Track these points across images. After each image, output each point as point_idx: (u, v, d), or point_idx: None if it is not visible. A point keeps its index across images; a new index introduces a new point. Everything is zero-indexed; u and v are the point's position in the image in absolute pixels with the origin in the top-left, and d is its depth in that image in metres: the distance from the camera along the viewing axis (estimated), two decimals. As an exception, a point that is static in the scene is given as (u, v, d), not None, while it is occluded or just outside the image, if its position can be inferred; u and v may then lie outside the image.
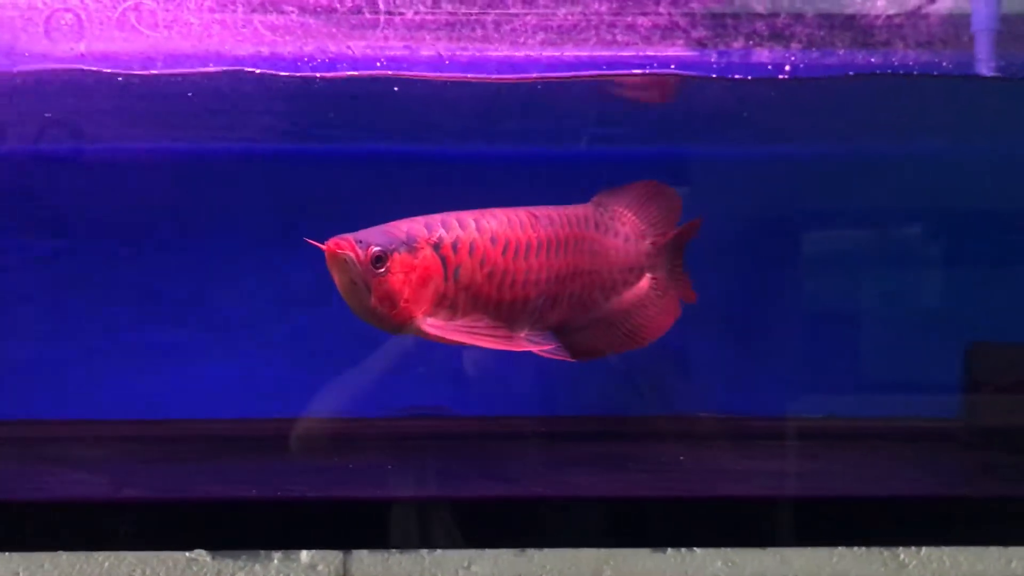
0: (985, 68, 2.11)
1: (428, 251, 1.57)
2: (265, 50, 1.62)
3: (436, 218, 1.62)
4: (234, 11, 1.57)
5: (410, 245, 1.56)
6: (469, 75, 1.67)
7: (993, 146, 2.06)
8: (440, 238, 1.59)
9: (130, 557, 1.55)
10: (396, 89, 1.67)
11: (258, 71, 1.65)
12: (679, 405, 2.30)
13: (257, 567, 1.57)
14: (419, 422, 2.17)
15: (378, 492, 1.68)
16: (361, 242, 1.53)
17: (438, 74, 1.66)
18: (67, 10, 1.56)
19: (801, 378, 2.28)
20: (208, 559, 1.56)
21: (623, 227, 1.75)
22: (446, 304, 1.59)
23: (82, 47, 1.59)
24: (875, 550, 1.60)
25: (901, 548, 1.60)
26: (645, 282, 1.76)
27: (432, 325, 1.59)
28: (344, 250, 1.51)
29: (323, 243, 1.51)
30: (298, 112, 1.81)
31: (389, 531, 1.57)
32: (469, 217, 1.63)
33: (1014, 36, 1.76)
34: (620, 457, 2.01)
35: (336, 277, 1.54)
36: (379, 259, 1.53)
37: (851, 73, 1.68)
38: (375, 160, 1.94)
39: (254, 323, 2.04)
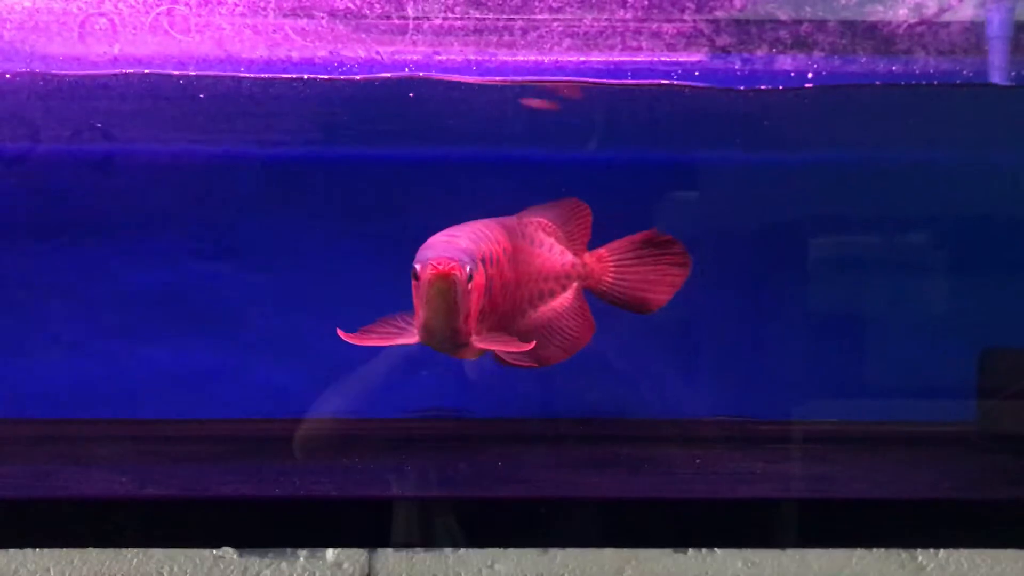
0: (1000, 76, 2.14)
1: (480, 266, 1.57)
2: (295, 55, 1.64)
3: (465, 232, 1.62)
4: (265, 16, 1.60)
5: (475, 261, 1.56)
6: (496, 79, 1.69)
7: (1009, 154, 2.08)
8: (484, 252, 1.60)
9: (158, 554, 1.58)
10: (415, 94, 1.68)
11: (288, 76, 1.68)
12: (693, 409, 2.31)
13: (283, 565, 1.59)
14: (439, 424, 2.19)
15: (402, 492, 1.70)
16: (460, 261, 1.51)
17: (466, 77, 1.67)
18: (101, 14, 1.59)
19: (815, 383, 2.30)
20: (235, 556, 1.58)
21: (547, 239, 1.76)
22: (482, 319, 1.60)
23: (116, 50, 1.62)
24: (893, 552, 1.61)
25: (919, 550, 1.62)
26: (569, 294, 1.78)
27: (479, 340, 1.60)
28: (454, 271, 1.49)
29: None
30: (329, 116, 1.83)
31: (413, 530, 1.59)
32: (481, 229, 1.65)
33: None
34: (635, 459, 2.02)
35: (436, 300, 1.52)
36: (469, 278, 1.53)
37: (876, 83, 1.70)
38: (405, 164, 1.97)
39: (278, 327, 2.06)
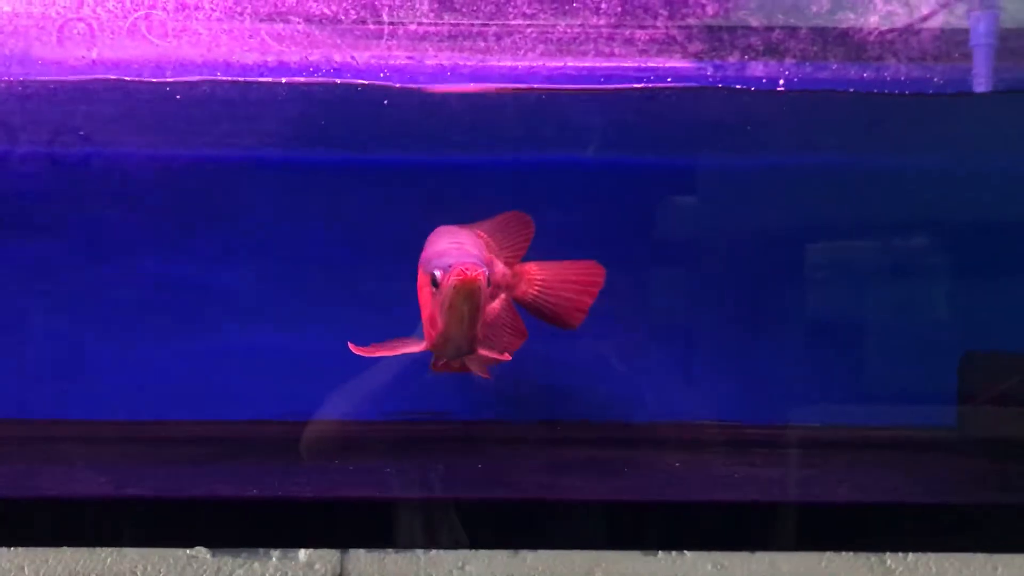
0: (983, 83, 2.15)
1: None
2: (272, 59, 1.66)
3: (463, 239, 1.64)
4: (242, 21, 1.61)
5: (487, 268, 1.57)
6: (470, 86, 1.70)
7: (984, 160, 2.08)
8: (486, 259, 1.63)
9: (132, 553, 1.58)
10: (389, 100, 1.70)
11: (264, 79, 1.69)
12: (679, 413, 2.32)
13: (256, 565, 1.59)
14: (418, 426, 2.20)
15: (375, 492, 1.71)
16: (483, 267, 1.53)
17: (441, 86, 1.69)
18: (79, 19, 1.60)
19: (801, 388, 2.31)
20: (208, 556, 1.59)
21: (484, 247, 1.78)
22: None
23: (94, 54, 1.63)
24: (863, 555, 1.62)
25: (888, 553, 1.62)
26: (497, 304, 1.78)
27: (481, 347, 1.63)
28: (480, 277, 1.50)
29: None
30: (302, 120, 1.85)
31: (385, 531, 1.60)
32: (470, 235, 1.68)
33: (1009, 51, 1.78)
34: (616, 462, 2.03)
35: (460, 306, 1.52)
36: (488, 283, 1.55)
37: (848, 89, 1.71)
38: (377, 169, 1.98)
39: (247, 327, 2.08)
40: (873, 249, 2.19)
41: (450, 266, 1.51)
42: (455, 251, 1.58)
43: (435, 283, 1.53)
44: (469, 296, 1.51)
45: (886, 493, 1.77)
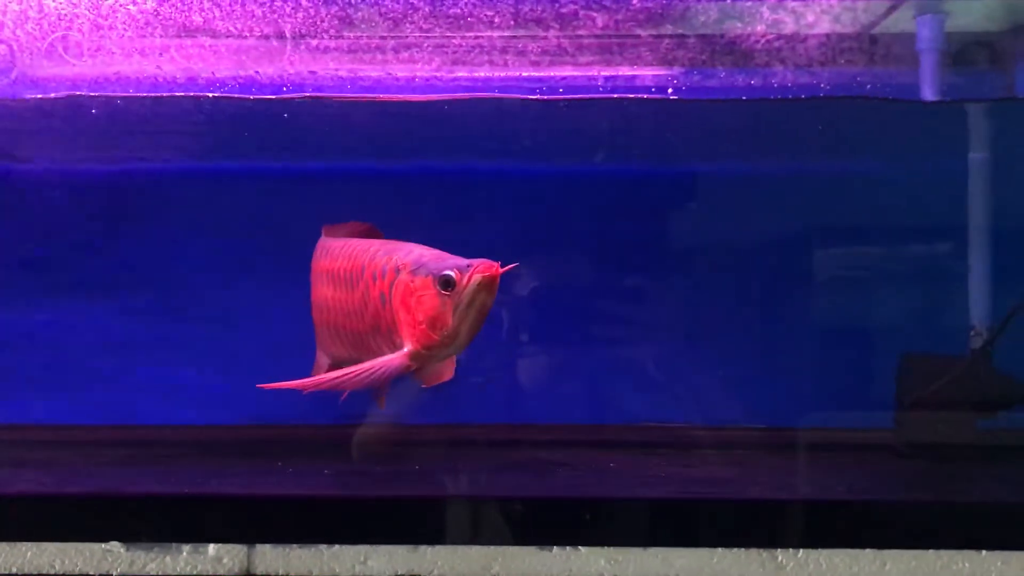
0: (929, 88, 2.16)
1: None
2: (180, 75, 1.72)
3: (421, 246, 1.70)
4: (153, 39, 1.68)
5: None
6: (369, 95, 1.75)
7: (876, 165, 2.10)
8: None
9: (51, 548, 1.65)
10: (298, 111, 1.75)
11: (175, 94, 1.76)
12: (626, 415, 2.35)
13: (167, 559, 1.65)
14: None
15: (280, 490, 1.77)
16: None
17: (342, 95, 1.74)
18: (1, 41, 1.68)
19: (746, 390, 2.33)
20: (122, 551, 1.64)
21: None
22: None
23: (14, 75, 1.71)
24: (753, 551, 1.65)
25: (779, 549, 1.65)
26: None
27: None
28: (498, 272, 1.57)
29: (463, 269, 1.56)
30: (211, 133, 1.91)
31: (290, 526, 1.66)
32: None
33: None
34: (551, 463, 2.07)
35: (481, 304, 1.59)
36: None
37: (739, 97, 1.74)
38: (286, 179, 2.04)
39: (182, 330, 2.14)
40: (791, 254, 2.21)
41: (468, 265, 1.57)
42: (431, 253, 1.64)
43: (448, 284, 1.58)
44: (491, 293, 1.58)
45: (780, 491, 1.80)
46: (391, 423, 2.07)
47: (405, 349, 1.66)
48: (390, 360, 1.67)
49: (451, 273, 1.57)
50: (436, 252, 1.66)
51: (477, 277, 1.56)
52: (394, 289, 1.66)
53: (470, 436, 2.29)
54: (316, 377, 1.72)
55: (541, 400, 2.31)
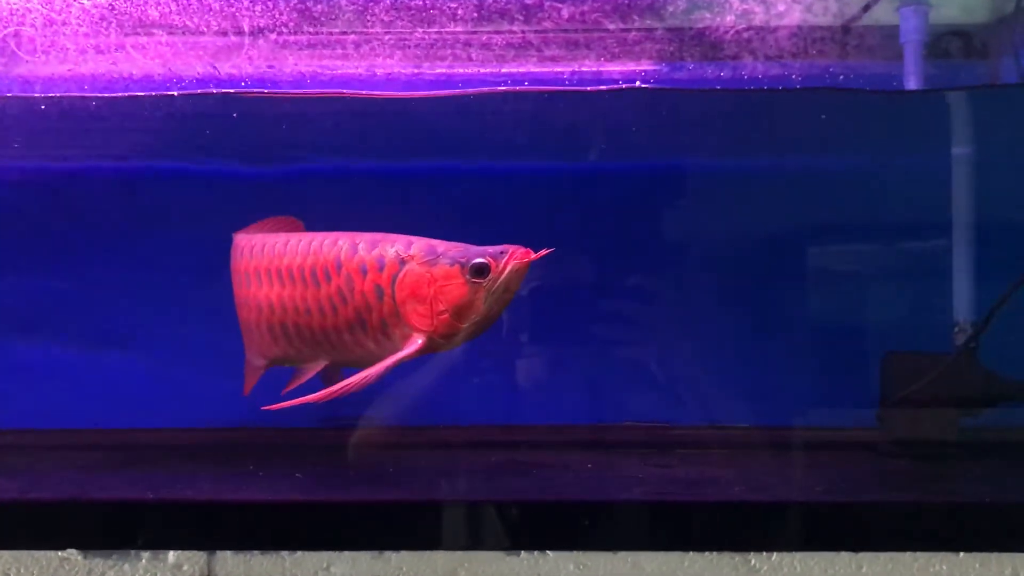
0: (913, 79, 2.13)
1: None
2: (136, 71, 1.69)
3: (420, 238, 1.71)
4: (108, 35, 1.65)
5: None
6: (331, 91, 1.72)
7: (856, 160, 2.07)
8: None
9: (6, 556, 1.62)
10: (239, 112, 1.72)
11: (128, 93, 1.72)
12: (608, 415, 2.31)
13: (126, 566, 1.62)
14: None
15: (243, 495, 1.73)
16: None
17: (301, 91, 1.71)
18: (-48, 39, 1.64)
19: (729, 389, 2.30)
20: (80, 558, 1.61)
21: None
22: None
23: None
24: (726, 555, 1.61)
25: (752, 553, 1.61)
26: None
27: None
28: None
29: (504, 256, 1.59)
30: (167, 131, 1.88)
31: (251, 533, 1.63)
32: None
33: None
34: (528, 465, 2.03)
35: (513, 287, 1.63)
36: None
37: (714, 87, 1.70)
38: (242, 178, 2.00)
39: (124, 334, 2.11)
40: (777, 252, 2.17)
41: (501, 252, 1.60)
42: (435, 242, 1.65)
43: (482, 272, 1.60)
44: (520, 279, 1.61)
45: (760, 492, 1.76)
46: (377, 425, 2.05)
47: (417, 340, 1.66)
48: (405, 353, 1.67)
49: (484, 261, 1.60)
50: (435, 241, 1.67)
51: (514, 264, 1.59)
52: (399, 280, 1.66)
53: (446, 438, 2.25)
54: (331, 388, 1.69)
55: (521, 401, 2.27)
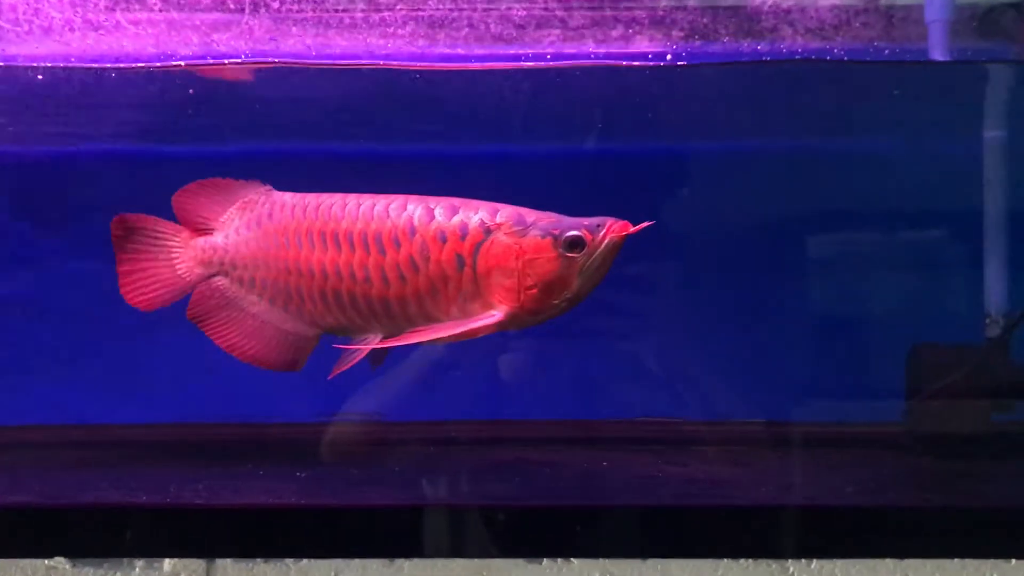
0: (940, 57, 2.04)
1: None
2: (128, 44, 1.58)
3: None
4: (96, 6, 1.53)
5: None
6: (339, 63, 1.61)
7: (895, 140, 1.98)
8: None
9: (-10, 565, 1.53)
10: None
11: (120, 66, 1.61)
12: (619, 411, 2.22)
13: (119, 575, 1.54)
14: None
15: (245, 499, 1.63)
16: None
17: (307, 62, 1.60)
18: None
19: (742, 383, 2.21)
20: (68, 567, 1.54)
21: None
22: None
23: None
24: (763, 562, 1.53)
25: (791, 561, 1.53)
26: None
27: None
28: None
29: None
30: (161, 108, 1.77)
31: (254, 540, 1.53)
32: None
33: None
34: (536, 464, 1.94)
35: (609, 260, 1.54)
36: None
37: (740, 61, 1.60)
38: (240, 158, 1.90)
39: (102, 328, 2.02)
40: (799, 238, 2.09)
41: (598, 225, 1.52)
42: (524, 211, 1.57)
43: (576, 246, 1.52)
44: (616, 254, 1.53)
45: (791, 494, 1.67)
46: (369, 420, 1.97)
47: (497, 313, 1.56)
48: (482, 324, 1.57)
49: (579, 233, 1.52)
50: (522, 209, 1.58)
51: (612, 237, 1.51)
52: (483, 250, 1.57)
53: (452, 434, 2.16)
54: (396, 338, 1.60)
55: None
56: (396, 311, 1.62)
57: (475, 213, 1.57)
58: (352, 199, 1.63)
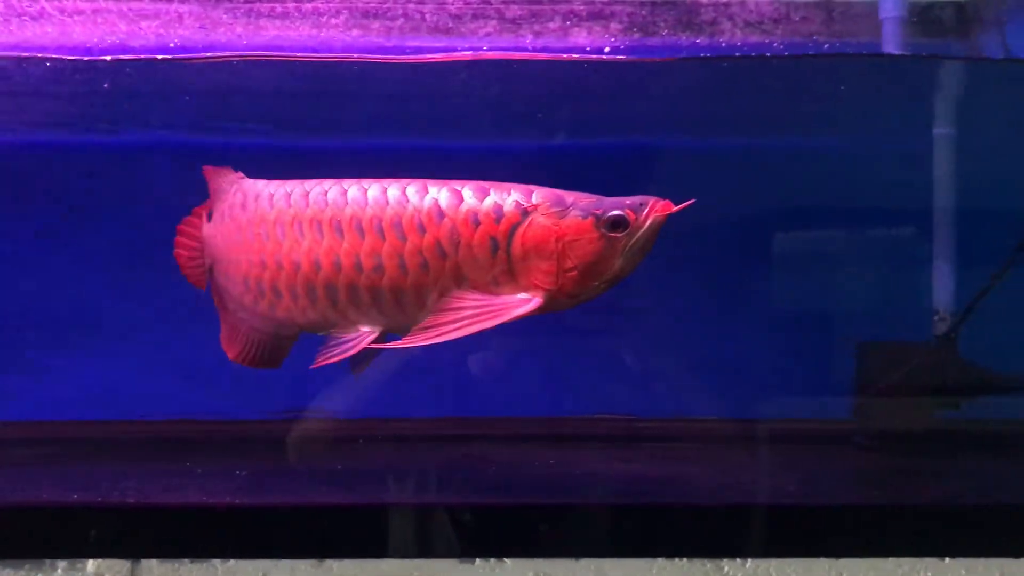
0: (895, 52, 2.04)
1: None
2: (53, 31, 1.54)
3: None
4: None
5: None
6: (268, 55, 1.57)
7: (842, 137, 1.98)
8: None
9: (-95, 569, 1.49)
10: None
11: (44, 56, 1.57)
12: (575, 407, 2.21)
13: (39, 576, 1.50)
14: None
15: (168, 499, 1.60)
16: None
17: (234, 54, 1.56)
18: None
19: (700, 380, 2.20)
20: None
21: None
22: None
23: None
24: (697, 562, 1.51)
25: (726, 560, 1.51)
26: None
27: None
28: None
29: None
30: (85, 98, 1.73)
31: (179, 539, 1.50)
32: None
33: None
34: (488, 461, 1.92)
35: (651, 240, 1.49)
36: None
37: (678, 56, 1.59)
38: (166, 148, 1.86)
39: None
40: (745, 236, 2.08)
41: (640, 204, 1.47)
42: (562, 192, 1.52)
43: (619, 226, 1.47)
44: (657, 234, 1.49)
45: (732, 493, 1.66)
46: (329, 418, 1.95)
47: (535, 298, 1.49)
48: (520, 311, 1.50)
49: (622, 213, 1.47)
50: (558, 190, 1.52)
51: (655, 217, 1.46)
52: (520, 233, 1.50)
53: (406, 431, 2.14)
54: (427, 326, 1.48)
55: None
56: (409, 301, 1.53)
57: (508, 195, 1.51)
58: (352, 184, 1.55)
